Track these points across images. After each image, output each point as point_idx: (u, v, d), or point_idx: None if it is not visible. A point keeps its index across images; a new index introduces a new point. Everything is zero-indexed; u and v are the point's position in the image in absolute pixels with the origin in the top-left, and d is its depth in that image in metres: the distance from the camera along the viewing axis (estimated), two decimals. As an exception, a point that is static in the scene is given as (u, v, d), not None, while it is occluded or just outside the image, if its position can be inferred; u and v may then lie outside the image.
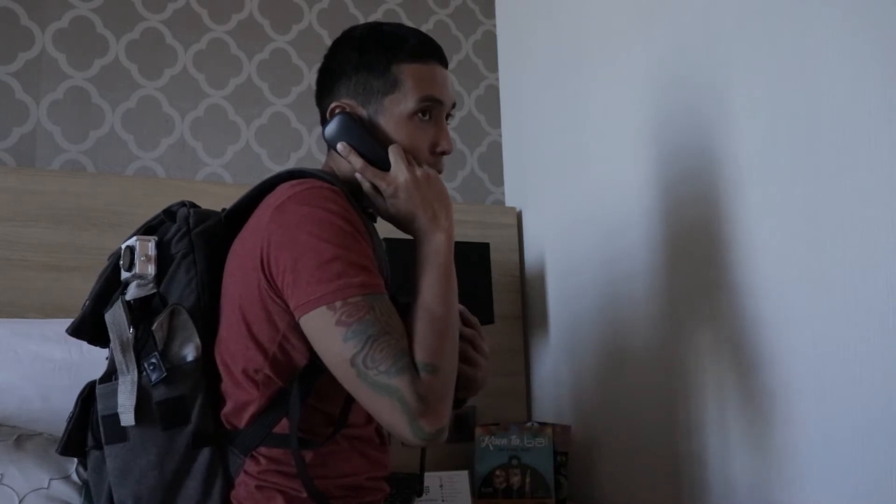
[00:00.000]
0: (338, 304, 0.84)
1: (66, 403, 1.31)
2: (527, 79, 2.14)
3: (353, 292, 0.84)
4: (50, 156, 1.72)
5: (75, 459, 1.15)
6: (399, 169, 0.96)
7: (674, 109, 1.51)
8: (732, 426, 1.33)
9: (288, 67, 2.01)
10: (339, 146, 0.97)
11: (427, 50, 1.01)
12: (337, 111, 1.00)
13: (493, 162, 2.24)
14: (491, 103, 2.28)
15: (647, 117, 1.59)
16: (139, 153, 1.81)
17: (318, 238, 0.86)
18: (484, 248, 1.91)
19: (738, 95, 1.35)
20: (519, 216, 2.13)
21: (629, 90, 1.65)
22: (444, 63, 1.03)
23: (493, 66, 2.31)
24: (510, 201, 2.20)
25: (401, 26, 1.03)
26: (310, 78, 2.00)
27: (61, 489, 1.14)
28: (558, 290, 1.92)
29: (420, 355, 0.86)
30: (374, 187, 0.98)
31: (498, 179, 2.24)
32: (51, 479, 1.14)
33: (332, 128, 0.99)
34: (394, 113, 0.98)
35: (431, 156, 1.01)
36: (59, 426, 1.22)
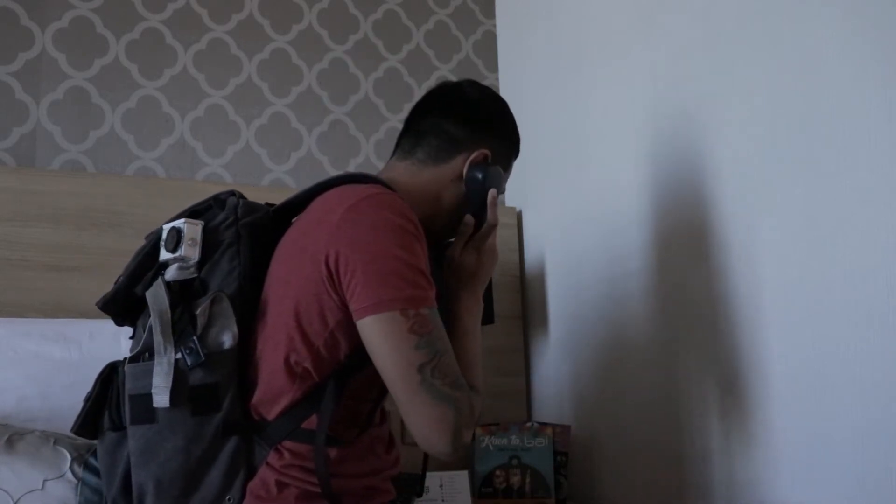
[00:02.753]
0: (411, 312, 0.87)
1: (65, 402, 1.31)
2: (527, 79, 2.14)
3: (425, 304, 0.90)
4: (50, 156, 1.72)
5: (69, 458, 1.14)
6: (494, 237, 1.12)
7: (674, 109, 1.51)
8: (732, 426, 1.33)
9: (288, 67, 2.00)
10: (493, 192, 1.08)
11: None
12: (490, 160, 1.10)
13: (493, 162, 2.24)
14: (491, 103, 2.28)
15: (646, 117, 1.59)
16: (139, 153, 1.81)
17: (397, 245, 0.89)
18: (484, 248, 1.91)
19: (737, 95, 1.34)
20: (519, 216, 2.13)
21: (629, 90, 1.65)
22: None
23: (493, 66, 2.31)
24: (510, 201, 2.20)
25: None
26: (310, 78, 2.00)
27: (56, 489, 1.11)
28: (558, 290, 1.91)
29: (467, 376, 0.95)
30: (471, 234, 1.09)
31: (498, 179, 2.24)
32: (45, 480, 1.11)
33: (492, 173, 1.08)
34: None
35: None
36: (57, 425, 1.23)
